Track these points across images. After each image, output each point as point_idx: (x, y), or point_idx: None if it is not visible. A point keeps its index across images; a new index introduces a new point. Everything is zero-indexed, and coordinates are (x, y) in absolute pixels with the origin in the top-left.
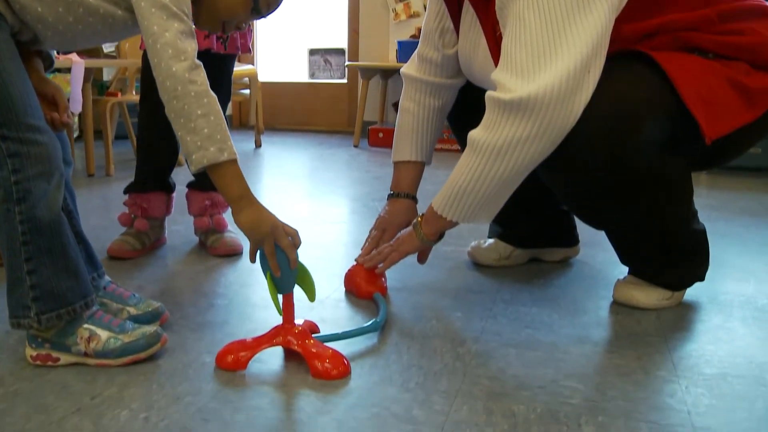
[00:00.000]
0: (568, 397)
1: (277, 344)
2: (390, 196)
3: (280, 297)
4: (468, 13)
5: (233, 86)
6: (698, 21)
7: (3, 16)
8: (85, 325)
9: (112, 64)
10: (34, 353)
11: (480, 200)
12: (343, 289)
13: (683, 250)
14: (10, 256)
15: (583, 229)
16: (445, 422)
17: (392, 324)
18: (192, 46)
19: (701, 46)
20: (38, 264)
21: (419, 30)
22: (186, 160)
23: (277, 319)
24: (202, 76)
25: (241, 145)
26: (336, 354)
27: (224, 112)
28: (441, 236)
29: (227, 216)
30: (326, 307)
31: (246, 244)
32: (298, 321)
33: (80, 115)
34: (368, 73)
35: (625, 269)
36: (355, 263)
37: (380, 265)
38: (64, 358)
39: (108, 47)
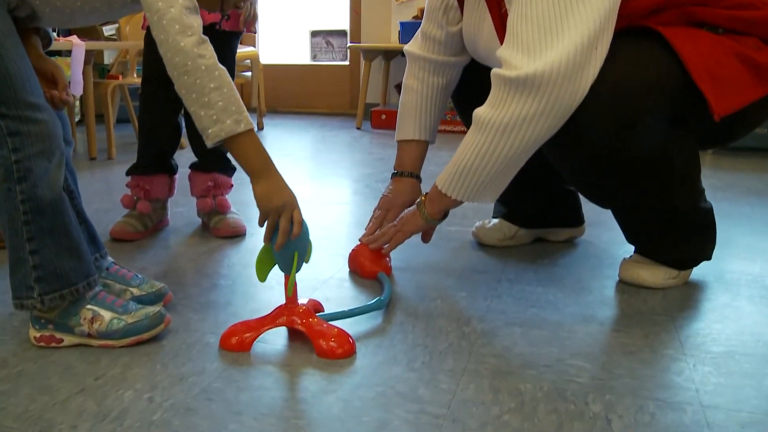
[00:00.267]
0: (574, 375)
1: (281, 324)
2: (394, 175)
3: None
4: None
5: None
6: None
7: None
8: (89, 306)
9: (113, 47)
10: (38, 334)
11: (485, 179)
12: (347, 269)
13: (690, 228)
14: (12, 236)
15: (588, 208)
16: (451, 401)
17: (397, 304)
18: (198, 21)
19: (710, 20)
20: (40, 244)
21: (421, 11)
22: (202, 135)
23: (281, 299)
24: (210, 50)
25: None
26: (341, 333)
27: None
28: (445, 215)
29: (230, 197)
30: (330, 287)
31: (250, 226)
32: (302, 300)
33: (81, 99)
34: (370, 54)
35: (631, 249)
36: (359, 243)
37: (385, 246)
38: (68, 339)
39: (109, 30)
